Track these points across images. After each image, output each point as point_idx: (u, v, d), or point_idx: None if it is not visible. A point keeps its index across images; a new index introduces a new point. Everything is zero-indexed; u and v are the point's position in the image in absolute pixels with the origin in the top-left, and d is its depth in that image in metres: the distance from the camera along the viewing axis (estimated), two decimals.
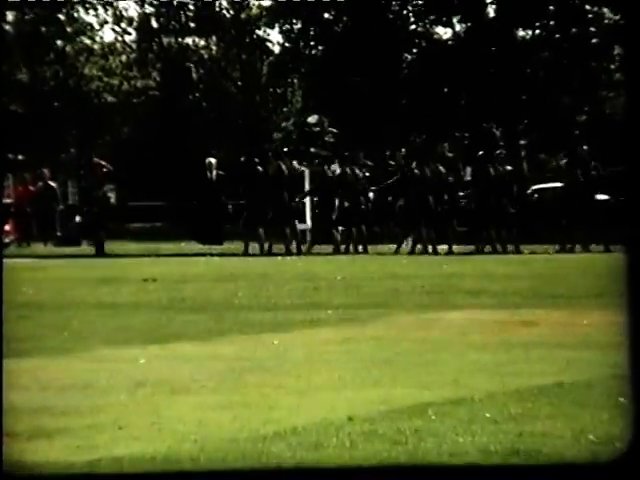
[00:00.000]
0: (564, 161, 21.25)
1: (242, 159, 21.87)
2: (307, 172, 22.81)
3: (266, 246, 20.67)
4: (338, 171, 21.83)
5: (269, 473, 4.32)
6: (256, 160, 21.14)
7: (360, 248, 20.94)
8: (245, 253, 20.30)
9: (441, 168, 20.81)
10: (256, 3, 36.50)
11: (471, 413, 5.38)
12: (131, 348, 7.89)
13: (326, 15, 35.00)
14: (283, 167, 20.82)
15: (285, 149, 24.30)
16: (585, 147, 21.91)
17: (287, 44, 35.90)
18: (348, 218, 21.02)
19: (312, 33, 35.40)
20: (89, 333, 8.71)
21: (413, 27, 35.02)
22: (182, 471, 4.45)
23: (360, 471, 4.31)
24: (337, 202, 21.27)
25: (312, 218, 21.94)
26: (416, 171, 21.08)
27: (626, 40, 3.53)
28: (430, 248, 20.52)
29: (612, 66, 34.16)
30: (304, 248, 20.96)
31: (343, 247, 21.04)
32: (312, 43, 35.54)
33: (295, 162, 22.21)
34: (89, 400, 5.83)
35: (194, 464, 4.52)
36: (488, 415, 5.31)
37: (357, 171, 21.33)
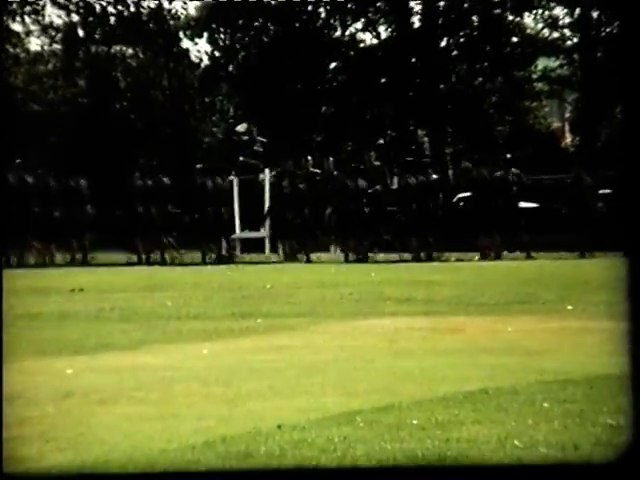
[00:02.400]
0: (488, 170, 21.52)
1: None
2: (235, 181, 22.88)
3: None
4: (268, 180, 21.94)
5: (269, 473, 4.33)
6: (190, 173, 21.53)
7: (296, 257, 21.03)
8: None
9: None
10: (184, 12, 36.42)
11: (399, 420, 5.44)
12: (59, 359, 7.83)
13: (254, 24, 35.04)
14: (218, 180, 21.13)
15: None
16: (508, 155, 22.24)
17: (216, 52, 35.86)
18: (281, 228, 21.09)
19: (240, 42, 35.41)
20: (16, 344, 8.62)
21: (339, 35, 35.21)
22: (182, 471, 4.45)
23: (360, 471, 4.33)
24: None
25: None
26: (342, 180, 21.23)
27: (624, 43, 3.61)
28: (358, 256, 20.64)
29: (534, 76, 34.69)
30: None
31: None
32: (240, 53, 35.55)
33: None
34: (16, 412, 5.78)
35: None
36: (415, 422, 5.37)
37: (292, 180, 21.47)
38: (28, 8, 36.43)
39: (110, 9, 36.20)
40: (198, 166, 22.08)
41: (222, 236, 21.56)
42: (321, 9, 34.86)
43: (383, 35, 34.88)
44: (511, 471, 4.19)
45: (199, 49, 37.14)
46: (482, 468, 4.33)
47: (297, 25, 33.93)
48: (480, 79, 34.24)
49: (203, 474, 4.37)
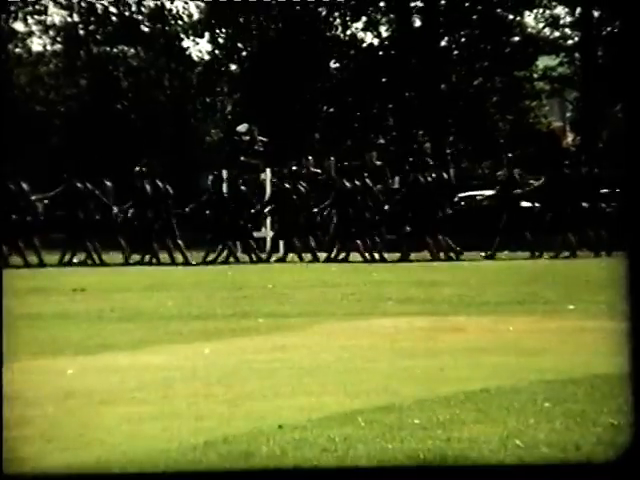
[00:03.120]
0: (501, 172, 21.49)
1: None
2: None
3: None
4: (268, 181, 22.00)
5: (269, 473, 4.33)
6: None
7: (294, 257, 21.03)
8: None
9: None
10: (185, 12, 36.42)
11: (400, 420, 5.44)
12: (60, 359, 7.83)
13: (255, 24, 35.08)
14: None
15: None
16: (510, 155, 22.24)
17: (217, 52, 35.90)
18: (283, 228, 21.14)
19: (240, 42, 35.43)
20: (17, 344, 8.61)
21: (341, 35, 35.24)
22: (182, 471, 4.45)
23: (360, 471, 4.33)
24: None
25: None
26: (345, 181, 21.23)
27: (625, 42, 3.60)
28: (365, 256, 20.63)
29: (535, 75, 34.70)
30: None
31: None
32: (241, 52, 35.59)
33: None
34: (16, 412, 5.78)
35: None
36: (417, 421, 5.38)
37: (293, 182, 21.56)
38: (30, 8, 36.46)
39: (112, 9, 36.23)
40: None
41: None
42: (321, 8, 34.88)
43: (384, 34, 34.90)
44: (512, 471, 4.20)
45: (200, 49, 37.19)
46: (483, 468, 4.33)
47: (298, 24, 33.94)
48: (481, 79, 34.25)
49: (204, 474, 4.37)
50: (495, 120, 34.23)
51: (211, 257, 20.78)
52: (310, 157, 22.96)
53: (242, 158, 23.78)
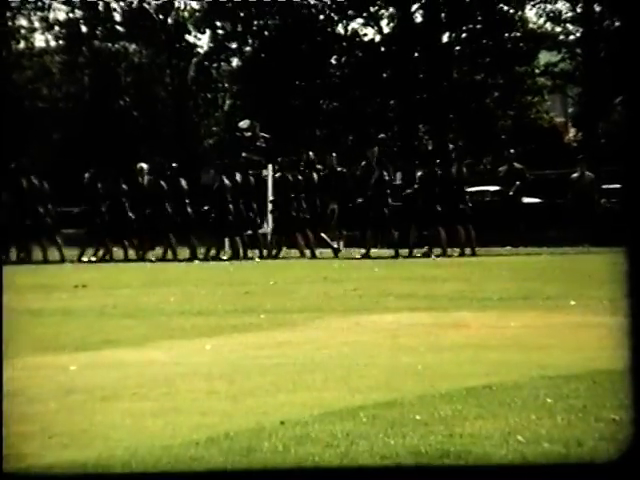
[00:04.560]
0: (504, 167, 21.45)
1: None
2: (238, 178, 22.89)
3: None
4: (271, 176, 21.98)
5: (269, 473, 4.33)
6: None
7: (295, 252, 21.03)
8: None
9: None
10: (188, 8, 36.43)
11: (402, 415, 5.44)
12: (62, 355, 7.83)
13: (256, 19, 35.07)
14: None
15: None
16: (512, 151, 22.22)
17: (218, 47, 35.88)
18: (282, 223, 21.11)
19: (242, 38, 35.43)
20: (19, 340, 8.62)
21: (342, 30, 35.25)
22: (182, 471, 4.45)
23: (360, 471, 4.33)
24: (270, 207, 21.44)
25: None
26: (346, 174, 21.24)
27: (626, 37, 3.60)
28: (362, 251, 20.64)
29: (537, 71, 34.68)
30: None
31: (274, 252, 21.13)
32: (243, 48, 35.59)
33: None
34: (18, 408, 5.79)
35: (125, 470, 4.51)
36: (418, 417, 5.38)
37: (293, 176, 21.53)
38: (32, 5, 36.48)
39: (113, 5, 36.28)
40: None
41: (225, 233, 21.59)
42: (323, 3, 34.85)
43: (385, 30, 34.90)
44: (514, 471, 4.19)
45: (202, 45, 37.19)
46: (483, 468, 4.33)
47: (299, 20, 33.93)
48: (482, 74, 34.24)
49: (204, 474, 4.37)
50: (497, 116, 34.23)
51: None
52: (311, 152, 22.95)
53: (244, 154, 23.78)
